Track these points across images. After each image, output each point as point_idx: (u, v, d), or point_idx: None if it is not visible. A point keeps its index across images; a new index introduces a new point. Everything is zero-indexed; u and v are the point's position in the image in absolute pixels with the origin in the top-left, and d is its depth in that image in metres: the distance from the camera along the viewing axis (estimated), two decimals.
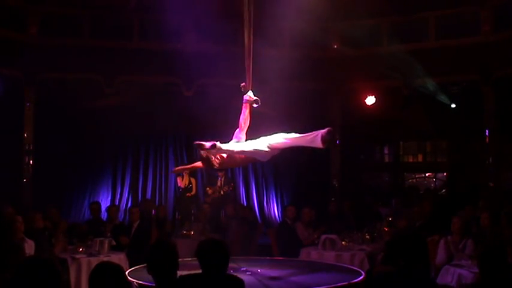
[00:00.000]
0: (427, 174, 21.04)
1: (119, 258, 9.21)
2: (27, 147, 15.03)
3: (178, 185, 16.21)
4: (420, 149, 20.77)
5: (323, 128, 7.04)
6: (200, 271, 4.71)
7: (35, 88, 15.09)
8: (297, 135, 7.24)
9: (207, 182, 16.88)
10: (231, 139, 7.33)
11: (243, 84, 7.49)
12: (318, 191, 16.65)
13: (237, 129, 7.38)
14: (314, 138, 7.08)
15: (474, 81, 15.21)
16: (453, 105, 16.81)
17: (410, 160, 20.87)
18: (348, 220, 12.84)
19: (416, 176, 21.01)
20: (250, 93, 7.44)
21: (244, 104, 7.42)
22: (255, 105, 7.44)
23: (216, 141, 6.82)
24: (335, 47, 16.45)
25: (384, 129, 18.68)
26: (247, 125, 7.39)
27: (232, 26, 14.77)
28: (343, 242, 10.37)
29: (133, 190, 17.79)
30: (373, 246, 10.45)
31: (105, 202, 16.54)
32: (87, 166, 16.99)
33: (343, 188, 16.65)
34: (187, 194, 15.78)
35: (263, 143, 7.18)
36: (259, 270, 7.90)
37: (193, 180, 16.13)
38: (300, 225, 11.48)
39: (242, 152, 7.23)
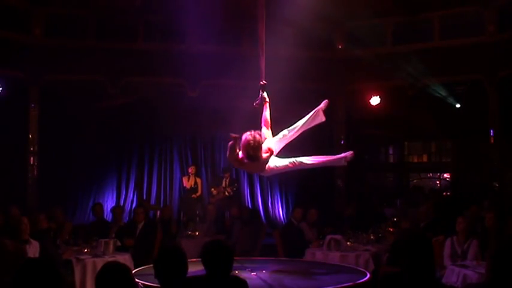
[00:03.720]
0: (431, 175, 21.01)
1: (124, 259, 9.21)
2: (32, 148, 15.05)
3: (184, 185, 16.25)
4: (425, 149, 20.75)
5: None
6: (204, 272, 4.71)
7: (39, 89, 15.11)
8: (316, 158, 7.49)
9: (212, 183, 16.89)
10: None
11: (264, 82, 7.56)
12: (323, 191, 16.65)
13: (263, 128, 7.44)
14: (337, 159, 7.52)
15: (479, 81, 15.19)
16: (458, 105, 16.79)
17: (415, 160, 20.84)
18: (353, 221, 12.84)
19: (421, 176, 20.99)
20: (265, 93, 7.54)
21: (263, 104, 7.51)
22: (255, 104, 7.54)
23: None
24: (340, 47, 16.45)
25: (389, 129, 18.68)
26: (269, 122, 7.49)
27: (237, 27, 14.80)
28: (348, 243, 10.37)
29: (138, 191, 17.81)
30: (378, 247, 10.45)
31: (110, 203, 16.59)
32: (92, 167, 17.00)
33: (347, 188, 16.64)
34: (193, 196, 15.79)
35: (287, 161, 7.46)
36: (264, 271, 7.90)
37: (199, 180, 16.15)
38: (305, 226, 11.50)
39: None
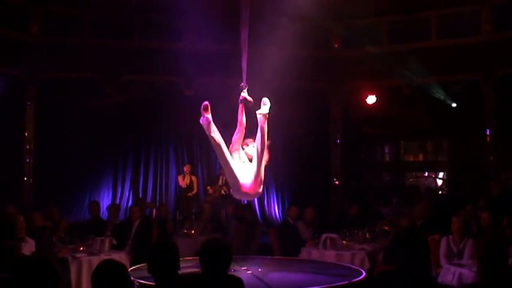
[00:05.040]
0: (427, 174, 21.03)
1: (120, 257, 9.20)
2: (28, 147, 15.04)
3: (179, 184, 16.24)
4: (421, 148, 20.77)
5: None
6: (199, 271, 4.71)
7: (36, 87, 15.10)
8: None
9: (207, 181, 16.88)
10: (231, 141, 7.35)
11: (242, 84, 7.47)
12: (319, 190, 16.66)
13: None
14: None
15: (475, 81, 15.22)
16: (454, 105, 16.82)
17: (411, 159, 20.87)
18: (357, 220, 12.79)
19: (417, 175, 21.00)
20: (244, 93, 7.42)
21: (239, 104, 7.42)
22: (249, 104, 7.43)
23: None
24: (336, 46, 16.45)
25: (385, 128, 18.70)
26: (243, 125, 7.39)
27: (233, 26, 14.77)
28: (343, 241, 10.36)
29: (134, 189, 17.79)
30: (374, 246, 10.44)
31: (106, 201, 16.57)
32: (88, 165, 16.98)
33: (343, 187, 16.66)
34: (189, 194, 15.81)
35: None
36: (259, 270, 7.90)
37: (194, 178, 16.15)
38: (301, 224, 11.49)
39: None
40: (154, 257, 4.63)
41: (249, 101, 7.34)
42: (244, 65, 7.44)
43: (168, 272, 4.57)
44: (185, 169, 16.22)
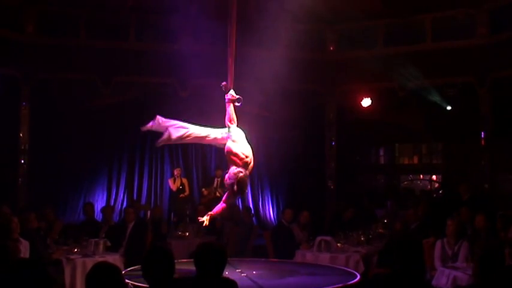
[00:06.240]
0: (422, 176, 21.05)
1: (114, 259, 9.18)
2: (22, 147, 15.00)
3: (170, 187, 16.26)
4: (416, 151, 20.77)
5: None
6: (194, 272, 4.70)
7: (31, 87, 15.06)
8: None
9: (202, 183, 16.88)
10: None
11: (224, 83, 7.54)
12: (314, 192, 16.66)
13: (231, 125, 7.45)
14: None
15: (470, 84, 15.24)
16: (449, 107, 16.84)
17: (406, 162, 20.87)
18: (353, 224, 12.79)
19: (412, 178, 21.02)
20: (232, 92, 7.49)
21: (227, 104, 7.48)
22: (237, 104, 7.48)
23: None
24: (331, 48, 16.46)
25: (380, 131, 18.70)
26: (235, 124, 7.44)
27: (228, 28, 14.78)
28: (338, 244, 10.36)
29: (128, 190, 17.77)
30: (368, 248, 10.45)
31: (100, 202, 16.55)
32: (82, 166, 16.94)
33: (338, 190, 16.65)
34: (181, 195, 15.81)
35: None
36: (254, 272, 7.89)
37: (185, 180, 16.19)
38: (296, 227, 11.48)
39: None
40: (148, 263, 4.59)
41: (238, 99, 7.44)
42: (231, 65, 7.52)
43: (163, 278, 4.55)
44: (175, 172, 16.30)
